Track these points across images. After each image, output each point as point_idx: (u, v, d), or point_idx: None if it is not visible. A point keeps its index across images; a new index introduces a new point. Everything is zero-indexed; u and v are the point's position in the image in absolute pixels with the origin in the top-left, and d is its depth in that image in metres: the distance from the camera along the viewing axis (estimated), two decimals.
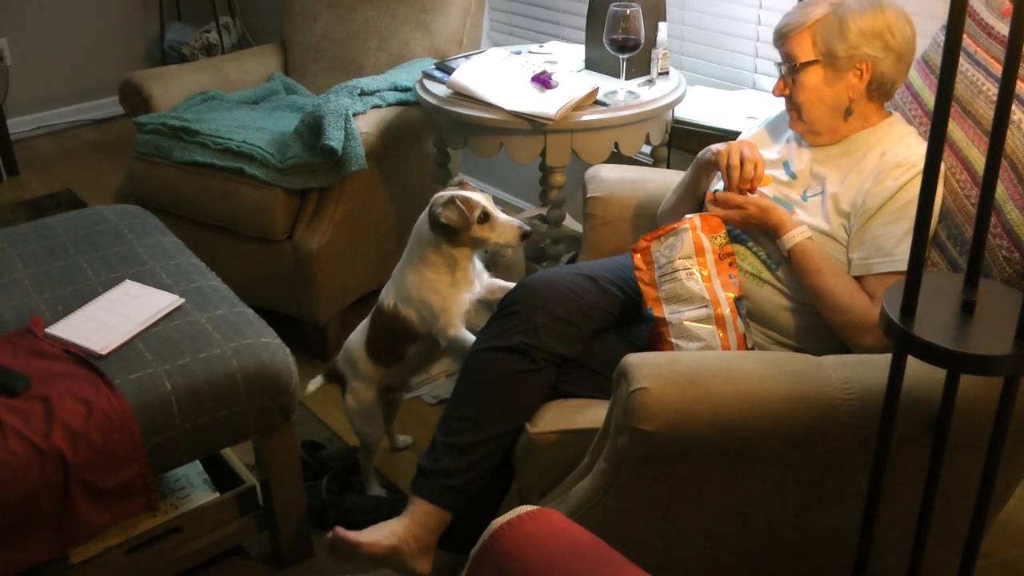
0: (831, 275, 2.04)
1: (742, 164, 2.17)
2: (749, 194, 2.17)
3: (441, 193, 2.38)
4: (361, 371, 2.56)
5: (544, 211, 3.03)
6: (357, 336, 2.59)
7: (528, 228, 2.37)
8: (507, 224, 2.37)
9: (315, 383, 2.64)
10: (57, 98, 5.58)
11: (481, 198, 2.36)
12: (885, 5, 2.08)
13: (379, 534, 2.11)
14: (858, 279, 2.06)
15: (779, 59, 2.21)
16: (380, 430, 2.68)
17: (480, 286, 2.46)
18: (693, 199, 2.41)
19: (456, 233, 2.34)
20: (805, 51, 2.11)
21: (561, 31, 3.99)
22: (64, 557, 2.13)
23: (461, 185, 2.42)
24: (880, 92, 2.15)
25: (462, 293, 2.40)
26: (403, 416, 2.89)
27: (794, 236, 2.08)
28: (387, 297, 2.50)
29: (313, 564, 2.50)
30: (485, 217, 2.35)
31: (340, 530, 2.11)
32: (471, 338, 2.35)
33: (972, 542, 1.71)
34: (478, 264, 2.48)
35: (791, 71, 2.15)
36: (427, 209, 2.38)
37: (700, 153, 2.32)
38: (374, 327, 2.54)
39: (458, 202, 2.32)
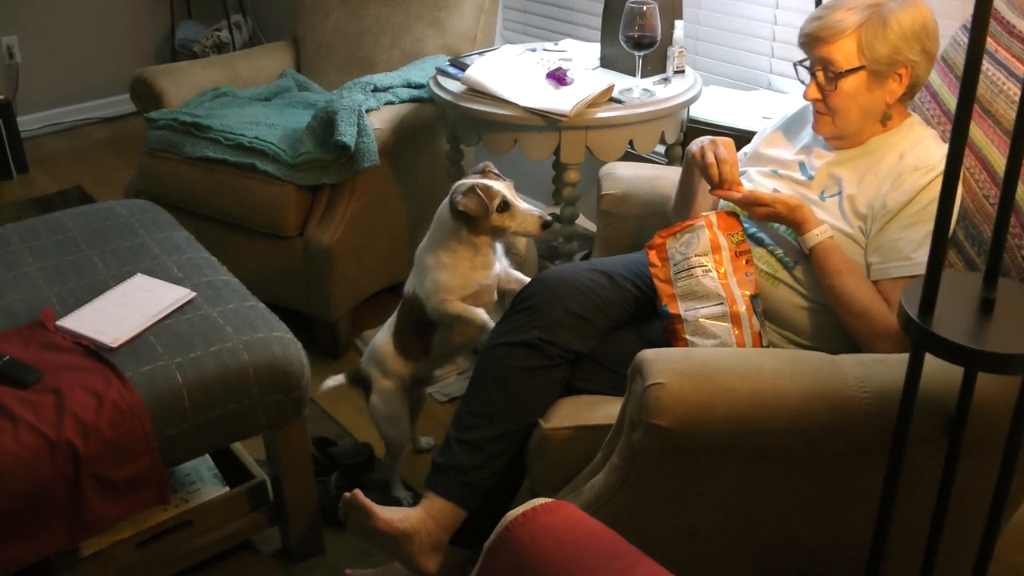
0: (851, 277, 2.04)
1: (719, 163, 2.16)
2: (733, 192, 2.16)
3: (463, 180, 2.40)
4: (390, 369, 2.56)
5: (558, 209, 3.04)
6: (382, 335, 2.60)
7: (549, 218, 2.38)
8: (527, 213, 2.38)
9: (334, 380, 2.66)
10: (67, 96, 5.60)
11: (502, 187, 2.37)
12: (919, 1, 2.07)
13: (394, 515, 2.12)
14: (875, 283, 2.07)
15: (800, 59, 2.18)
16: (406, 432, 2.69)
17: (499, 267, 2.48)
18: (690, 196, 2.41)
19: (475, 221, 2.35)
20: (848, 57, 2.08)
21: (575, 30, 3.99)
22: (75, 549, 2.15)
23: (484, 172, 2.44)
24: (910, 95, 2.15)
25: (477, 276, 2.43)
26: None
27: (817, 235, 2.07)
28: (408, 285, 2.53)
29: (323, 560, 2.51)
30: (505, 206, 2.36)
31: (359, 493, 2.13)
32: (469, 309, 2.40)
33: (986, 544, 1.71)
34: (498, 249, 2.49)
35: (831, 78, 2.10)
36: (449, 195, 2.39)
37: (687, 149, 2.31)
38: (400, 319, 2.56)
39: (478, 190, 2.33)
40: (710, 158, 2.17)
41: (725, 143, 2.20)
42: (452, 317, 2.44)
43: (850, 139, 2.19)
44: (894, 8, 2.05)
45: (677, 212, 2.46)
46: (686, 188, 2.41)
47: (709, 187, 2.20)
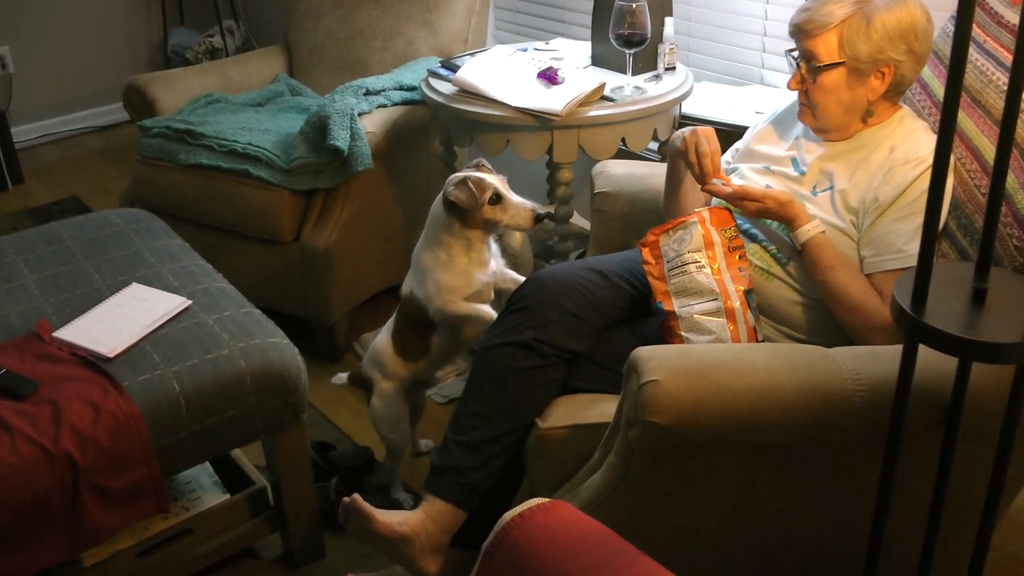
0: (844, 272, 2.05)
1: (700, 158, 2.18)
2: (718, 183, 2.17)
3: (457, 173, 2.40)
4: (390, 370, 2.56)
5: (552, 208, 3.04)
6: (382, 336, 2.60)
7: (541, 212, 2.38)
8: (520, 206, 2.38)
9: (340, 378, 2.67)
10: (61, 105, 5.60)
11: (494, 179, 2.37)
12: (909, 1, 2.06)
13: (393, 519, 2.13)
14: (868, 277, 2.07)
15: (789, 48, 2.19)
16: (407, 434, 2.68)
17: (496, 266, 2.48)
18: (676, 185, 2.42)
19: (467, 214, 2.35)
20: (829, 52, 2.08)
21: (567, 28, 3.99)
22: (75, 560, 2.14)
23: (477, 167, 2.44)
24: (896, 92, 2.14)
25: (474, 274, 2.42)
26: None
27: (808, 230, 2.07)
28: (405, 285, 2.52)
29: (324, 564, 2.51)
30: (497, 199, 2.36)
31: (358, 497, 2.13)
32: (474, 307, 2.39)
33: (983, 534, 1.71)
34: (494, 247, 2.49)
35: (812, 70, 2.11)
36: (443, 189, 2.40)
37: (670, 140, 2.32)
38: (399, 320, 2.56)
39: (470, 183, 2.33)
40: (692, 156, 2.19)
41: (706, 133, 2.22)
42: (458, 318, 2.43)
43: (835, 132, 2.19)
44: (880, 7, 2.04)
45: (666, 204, 2.47)
46: (672, 179, 2.43)
47: (700, 185, 2.21)
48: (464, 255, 2.41)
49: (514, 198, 2.39)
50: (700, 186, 2.20)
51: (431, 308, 2.44)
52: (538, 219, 2.39)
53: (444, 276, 2.41)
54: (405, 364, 2.56)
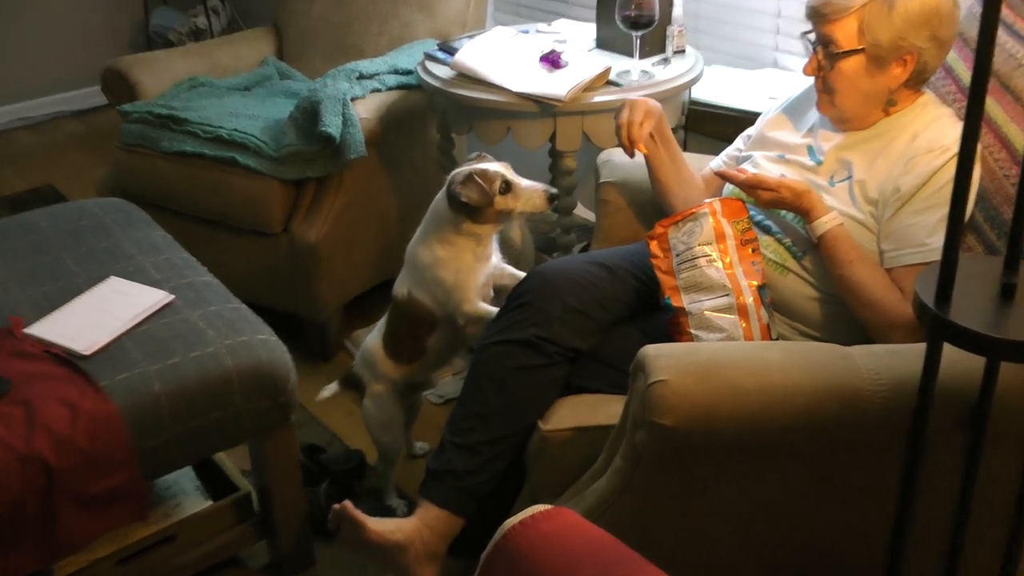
0: (862, 266, 2.04)
1: (618, 129, 2.35)
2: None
3: (459, 170, 2.38)
4: (380, 372, 2.55)
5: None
6: (374, 337, 2.59)
7: (554, 190, 2.37)
8: (531, 190, 2.36)
9: (329, 390, 2.65)
10: (37, 88, 5.60)
11: (500, 167, 2.36)
12: None
13: (386, 527, 2.12)
14: (888, 271, 2.06)
15: (805, 31, 2.18)
16: (400, 438, 2.68)
17: (496, 259, 2.47)
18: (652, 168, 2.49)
19: (478, 210, 2.33)
20: (848, 38, 2.06)
21: (570, 9, 3.98)
22: (49, 570, 2.13)
23: (479, 158, 2.42)
24: (919, 80, 2.13)
25: (480, 268, 2.40)
26: None
27: (826, 222, 2.06)
28: (401, 286, 2.50)
29: (315, 573, 2.51)
30: (507, 187, 2.34)
31: (349, 504, 2.12)
32: (491, 310, 2.35)
33: (1014, 541, 1.71)
34: (493, 241, 2.48)
35: (829, 57, 2.10)
36: (444, 188, 2.38)
37: None
38: (391, 322, 2.54)
39: (476, 177, 2.31)
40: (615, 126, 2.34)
41: (631, 104, 2.36)
42: (475, 317, 2.40)
43: (854, 122, 2.18)
44: None
45: (652, 185, 2.48)
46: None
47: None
48: (469, 251, 2.39)
49: (523, 182, 2.37)
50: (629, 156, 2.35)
51: (448, 307, 2.41)
52: (552, 198, 2.37)
53: (448, 274, 2.39)
54: (397, 367, 2.55)
